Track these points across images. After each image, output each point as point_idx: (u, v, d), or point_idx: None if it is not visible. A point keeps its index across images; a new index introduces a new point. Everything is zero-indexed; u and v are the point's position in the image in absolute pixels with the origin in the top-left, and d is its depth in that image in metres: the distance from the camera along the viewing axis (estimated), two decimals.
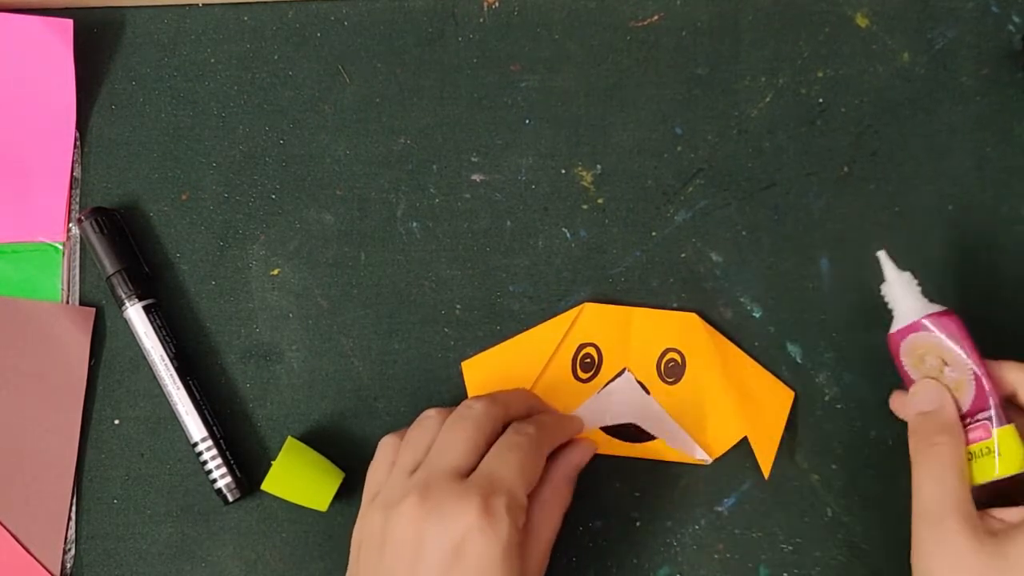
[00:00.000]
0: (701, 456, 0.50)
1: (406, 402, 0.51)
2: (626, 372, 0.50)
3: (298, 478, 0.48)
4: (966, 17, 0.53)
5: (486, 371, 0.50)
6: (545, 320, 0.51)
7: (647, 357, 0.51)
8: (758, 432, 0.50)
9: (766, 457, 0.50)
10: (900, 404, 0.48)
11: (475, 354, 0.51)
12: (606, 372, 0.50)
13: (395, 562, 0.41)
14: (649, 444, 0.50)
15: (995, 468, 0.44)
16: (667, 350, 0.50)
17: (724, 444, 0.50)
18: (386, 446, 0.46)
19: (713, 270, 0.52)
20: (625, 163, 0.53)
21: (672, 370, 0.50)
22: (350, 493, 0.50)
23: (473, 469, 0.43)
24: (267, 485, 0.48)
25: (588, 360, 0.50)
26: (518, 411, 0.47)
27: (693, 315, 0.51)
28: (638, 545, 0.51)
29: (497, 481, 0.42)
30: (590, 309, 0.51)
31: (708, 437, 0.50)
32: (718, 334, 0.51)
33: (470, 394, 0.50)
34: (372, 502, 0.43)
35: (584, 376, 0.50)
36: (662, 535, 0.51)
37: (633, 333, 0.51)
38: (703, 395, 0.50)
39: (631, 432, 0.50)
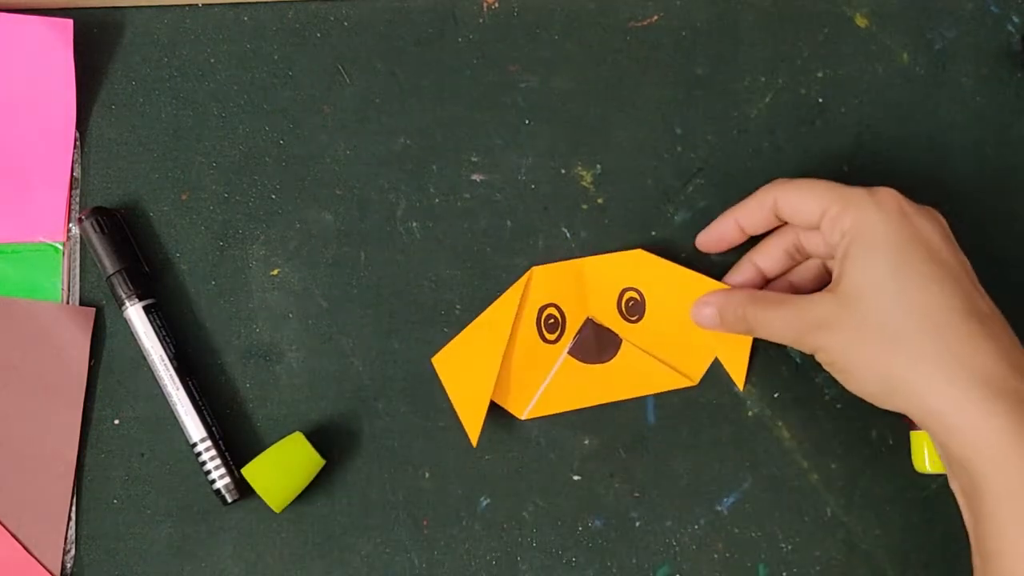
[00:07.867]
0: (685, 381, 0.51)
1: (406, 402, 0.51)
2: (589, 321, 0.51)
3: (279, 473, 0.48)
4: (965, 17, 0.53)
5: (457, 360, 0.50)
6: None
7: (606, 302, 0.51)
8: (726, 347, 0.51)
9: (738, 370, 0.51)
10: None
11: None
12: (571, 327, 0.51)
13: None
14: (638, 367, 0.51)
15: None
16: (625, 290, 0.51)
17: (701, 366, 0.51)
18: None
19: (712, 270, 0.52)
20: (625, 163, 0.53)
21: (633, 308, 0.51)
22: (349, 492, 0.50)
23: None
24: (248, 470, 0.48)
25: (552, 320, 0.51)
26: None
27: (639, 251, 0.51)
28: (638, 545, 0.51)
29: None
30: (539, 272, 0.51)
31: (684, 363, 0.51)
32: (668, 262, 0.51)
33: (448, 389, 0.50)
34: None
35: (551, 337, 0.51)
36: (662, 535, 0.51)
37: (587, 283, 0.51)
38: (668, 325, 0.51)
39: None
